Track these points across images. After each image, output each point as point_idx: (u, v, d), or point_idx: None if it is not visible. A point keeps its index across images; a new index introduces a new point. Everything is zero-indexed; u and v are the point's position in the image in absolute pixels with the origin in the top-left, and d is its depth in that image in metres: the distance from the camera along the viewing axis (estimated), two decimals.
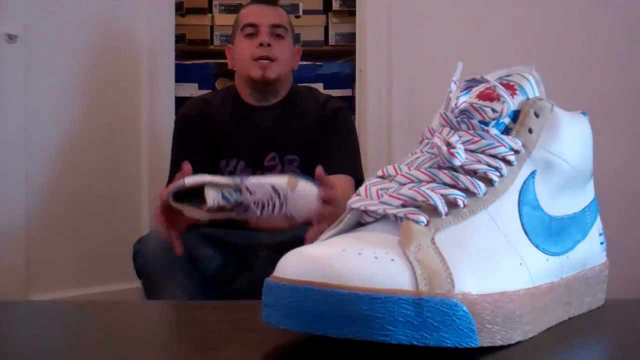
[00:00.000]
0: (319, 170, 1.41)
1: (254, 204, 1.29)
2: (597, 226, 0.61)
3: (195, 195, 1.33)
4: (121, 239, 2.10)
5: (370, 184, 0.51)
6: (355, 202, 0.50)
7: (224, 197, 1.30)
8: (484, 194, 0.49)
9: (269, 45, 1.82)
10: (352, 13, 2.80)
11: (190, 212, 1.32)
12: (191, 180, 1.34)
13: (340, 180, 1.75)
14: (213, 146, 1.83)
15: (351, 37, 2.92)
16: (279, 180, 1.33)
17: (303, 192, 1.35)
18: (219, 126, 1.85)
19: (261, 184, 1.31)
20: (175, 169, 1.84)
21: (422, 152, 0.53)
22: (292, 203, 1.32)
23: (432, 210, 0.48)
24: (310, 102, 1.90)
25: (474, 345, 0.44)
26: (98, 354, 0.49)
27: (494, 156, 0.51)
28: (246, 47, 1.84)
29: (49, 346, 0.52)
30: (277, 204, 1.31)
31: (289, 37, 1.90)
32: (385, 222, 0.49)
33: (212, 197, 1.29)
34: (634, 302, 0.66)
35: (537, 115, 0.53)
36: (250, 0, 2.01)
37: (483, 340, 0.45)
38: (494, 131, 0.52)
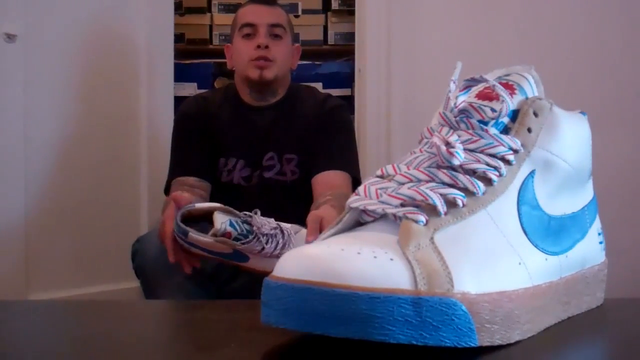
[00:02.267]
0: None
1: (261, 235, 1.31)
2: (596, 225, 0.61)
3: (203, 222, 1.35)
4: (120, 239, 2.10)
5: (370, 183, 0.51)
6: (355, 201, 0.50)
7: (231, 224, 1.31)
8: (483, 194, 0.49)
9: (266, 47, 1.81)
10: (352, 12, 2.80)
11: (195, 236, 1.33)
12: (201, 205, 1.37)
13: (337, 177, 1.75)
14: (212, 144, 1.83)
15: (350, 36, 2.91)
16: (284, 225, 1.36)
17: (305, 236, 1.39)
18: (218, 124, 1.85)
19: (268, 220, 1.33)
20: (174, 168, 1.85)
21: (421, 151, 0.53)
22: (294, 244, 1.35)
23: (431, 210, 0.48)
24: (309, 100, 1.89)
25: (473, 345, 0.44)
26: (97, 354, 0.49)
27: (493, 156, 0.51)
28: (244, 48, 1.84)
29: (48, 346, 0.52)
30: (280, 242, 1.33)
31: (288, 36, 1.89)
32: (385, 222, 0.49)
33: (220, 221, 1.31)
34: (633, 301, 0.66)
35: (536, 114, 0.53)
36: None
37: (482, 339, 0.45)
38: (493, 131, 0.52)
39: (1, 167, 2.05)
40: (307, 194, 1.76)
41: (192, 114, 1.87)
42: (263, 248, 1.30)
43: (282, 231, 1.34)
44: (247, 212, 1.33)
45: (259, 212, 1.33)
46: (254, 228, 1.30)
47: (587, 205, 0.59)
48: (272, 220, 1.34)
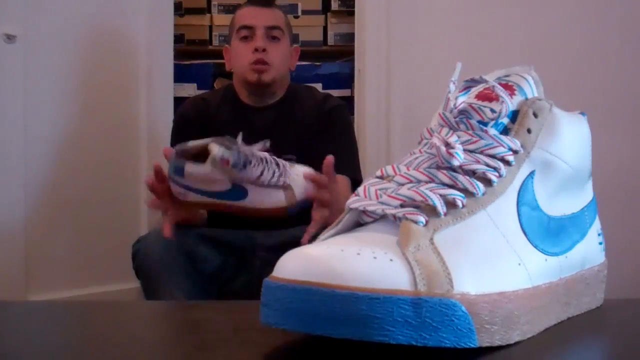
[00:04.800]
0: (328, 161, 1.44)
1: (257, 160, 1.32)
2: (596, 226, 0.61)
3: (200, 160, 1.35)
4: (120, 239, 2.10)
5: (369, 184, 0.51)
6: (354, 202, 0.50)
7: (227, 151, 1.31)
8: (483, 194, 0.49)
9: (264, 50, 1.81)
10: (351, 13, 2.80)
11: (193, 169, 1.32)
12: (195, 142, 1.36)
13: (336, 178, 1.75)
14: None
15: (350, 37, 2.92)
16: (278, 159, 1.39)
17: (300, 170, 1.41)
18: (217, 125, 1.85)
19: (261, 152, 1.36)
20: None
21: (420, 152, 0.53)
22: (290, 176, 1.38)
23: (431, 211, 0.48)
24: (308, 100, 1.89)
25: (472, 346, 0.44)
26: (97, 354, 0.49)
27: (492, 156, 0.51)
28: (242, 51, 1.84)
29: (47, 346, 0.52)
30: (277, 171, 1.35)
31: (286, 38, 1.89)
32: (384, 223, 0.49)
33: (216, 150, 1.30)
34: (632, 302, 0.66)
35: (535, 115, 0.53)
36: (246, 1, 2.01)
37: (482, 340, 0.45)
38: (492, 131, 0.52)
39: (1, 167, 2.05)
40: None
41: (190, 115, 1.87)
42: (260, 175, 1.32)
43: (276, 162, 1.36)
44: (241, 141, 1.34)
45: (240, 136, 1.34)
46: (249, 154, 1.31)
47: (587, 206, 0.59)
48: (265, 153, 1.37)
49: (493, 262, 0.48)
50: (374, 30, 2.46)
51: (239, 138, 1.33)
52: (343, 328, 0.42)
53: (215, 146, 1.31)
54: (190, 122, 1.86)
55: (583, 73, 2.26)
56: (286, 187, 1.37)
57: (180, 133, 1.88)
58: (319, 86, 2.89)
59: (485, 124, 0.52)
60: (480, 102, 0.53)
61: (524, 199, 0.51)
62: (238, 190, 1.33)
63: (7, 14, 2.04)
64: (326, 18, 3.36)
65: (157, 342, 0.54)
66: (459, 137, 0.51)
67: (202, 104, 1.90)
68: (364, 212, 0.50)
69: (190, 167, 1.32)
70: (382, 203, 0.49)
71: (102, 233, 2.27)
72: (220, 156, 1.29)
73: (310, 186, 1.40)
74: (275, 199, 1.36)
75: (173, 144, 1.88)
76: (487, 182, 0.50)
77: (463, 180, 0.49)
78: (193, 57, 3.22)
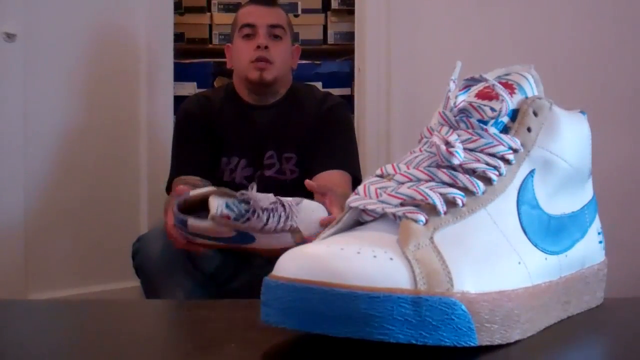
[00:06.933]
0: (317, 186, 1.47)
1: (260, 210, 1.29)
2: (596, 225, 0.61)
3: (201, 210, 1.33)
4: (120, 238, 2.10)
5: (369, 182, 0.51)
6: (354, 201, 0.50)
7: (227, 206, 1.28)
8: (483, 193, 0.49)
9: (266, 47, 1.81)
10: (351, 12, 2.80)
11: (195, 223, 1.32)
12: (196, 191, 1.35)
13: (337, 177, 1.75)
14: (214, 143, 1.83)
15: (350, 36, 2.92)
16: (284, 198, 1.35)
17: (308, 207, 1.37)
18: (220, 123, 1.85)
19: (267, 195, 1.32)
20: (177, 166, 1.84)
21: (421, 151, 0.53)
22: (298, 216, 1.35)
23: (431, 209, 0.48)
24: (308, 99, 1.89)
25: (472, 344, 0.44)
26: (97, 353, 0.49)
27: (492, 155, 0.51)
28: (244, 48, 1.84)
29: (48, 345, 0.52)
30: (283, 215, 1.32)
31: (287, 37, 1.89)
32: (384, 221, 0.49)
33: (215, 205, 1.28)
34: (632, 301, 0.66)
35: (535, 114, 0.53)
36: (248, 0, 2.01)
37: (482, 339, 0.45)
38: (492, 130, 0.52)
39: (1, 166, 2.05)
40: (307, 193, 1.76)
41: (194, 112, 1.87)
42: (265, 224, 1.29)
43: (282, 204, 1.32)
44: (243, 191, 1.30)
45: (255, 187, 1.30)
46: (252, 205, 1.28)
47: (587, 205, 0.59)
48: (270, 195, 1.32)
49: (493, 261, 0.48)
50: (374, 29, 2.46)
51: (252, 188, 1.31)
52: (343, 327, 0.42)
53: (215, 200, 1.29)
54: (194, 119, 1.86)
55: (583, 72, 2.25)
56: (293, 230, 1.34)
57: (184, 130, 1.88)
58: (319, 85, 2.89)
59: (485, 123, 0.52)
60: (480, 101, 0.53)
61: (524, 198, 0.51)
62: (245, 236, 1.32)
63: (7, 12, 2.04)
64: (326, 17, 3.36)
65: (157, 341, 0.54)
66: (459, 135, 0.51)
67: (205, 102, 1.90)
68: (364, 210, 0.50)
69: (192, 222, 1.32)
70: (382, 202, 0.49)
71: (102, 232, 2.27)
72: (220, 213, 1.27)
73: (318, 221, 1.39)
74: (282, 241, 1.33)
75: (176, 141, 1.89)
76: (487, 180, 0.50)
77: (463, 179, 0.49)
78: (193, 55, 3.22)
